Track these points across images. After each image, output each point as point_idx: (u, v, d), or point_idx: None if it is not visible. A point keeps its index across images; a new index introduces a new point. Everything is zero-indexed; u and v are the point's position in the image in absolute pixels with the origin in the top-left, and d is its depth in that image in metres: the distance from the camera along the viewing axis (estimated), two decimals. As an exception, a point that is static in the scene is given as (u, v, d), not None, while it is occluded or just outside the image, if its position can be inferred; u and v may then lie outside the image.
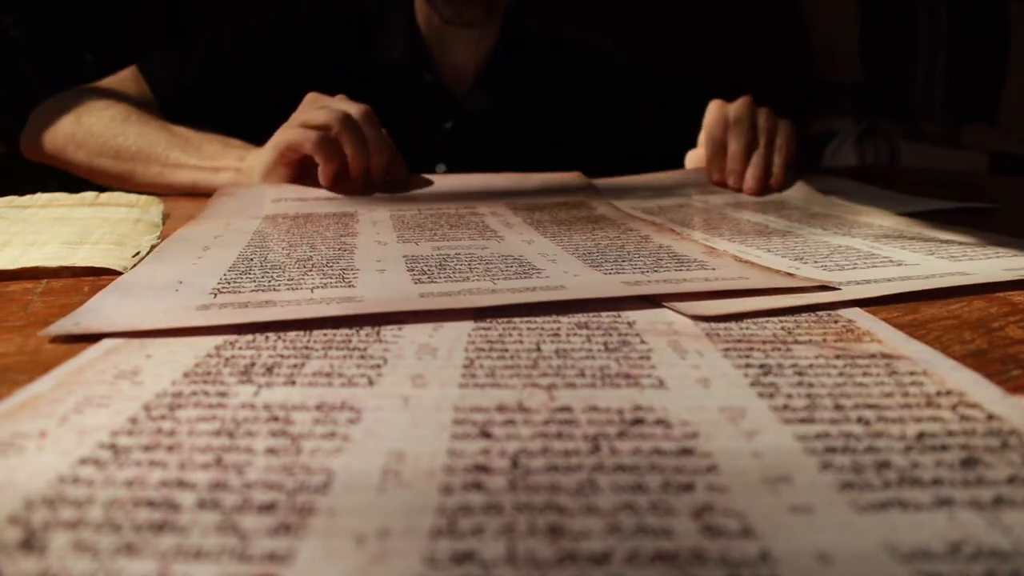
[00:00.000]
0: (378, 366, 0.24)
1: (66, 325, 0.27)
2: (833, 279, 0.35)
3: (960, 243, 0.45)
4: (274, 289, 0.32)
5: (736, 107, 0.68)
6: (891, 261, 0.40)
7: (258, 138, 0.63)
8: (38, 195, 0.52)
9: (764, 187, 0.66)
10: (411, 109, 0.84)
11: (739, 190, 0.67)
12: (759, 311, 0.30)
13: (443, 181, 0.67)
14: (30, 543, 0.15)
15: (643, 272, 0.36)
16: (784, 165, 0.67)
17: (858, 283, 0.35)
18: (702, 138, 0.69)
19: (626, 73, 0.90)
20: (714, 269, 0.36)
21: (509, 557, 0.14)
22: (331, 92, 0.65)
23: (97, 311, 0.29)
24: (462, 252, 0.41)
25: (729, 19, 2.05)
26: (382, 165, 0.59)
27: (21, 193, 0.52)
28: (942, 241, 0.45)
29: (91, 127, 0.69)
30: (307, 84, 0.81)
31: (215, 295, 0.31)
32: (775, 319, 0.29)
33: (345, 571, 0.14)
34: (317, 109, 0.59)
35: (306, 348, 0.26)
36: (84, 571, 0.14)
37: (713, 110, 0.68)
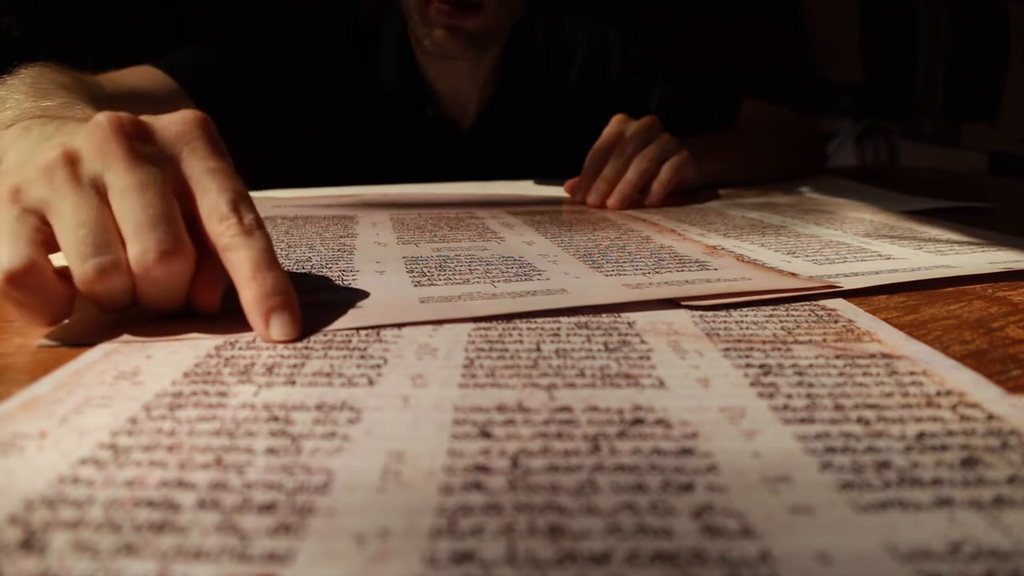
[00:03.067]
0: (378, 366, 0.24)
1: (63, 333, 0.27)
2: (823, 272, 0.36)
3: (949, 239, 0.45)
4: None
5: (634, 127, 0.64)
6: (880, 255, 0.41)
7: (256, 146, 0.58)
8: None
9: (623, 207, 0.61)
10: (416, 141, 0.82)
11: (586, 202, 0.63)
12: (752, 300, 0.30)
13: (441, 190, 0.67)
14: (30, 543, 0.14)
15: (644, 273, 0.36)
16: (658, 193, 0.62)
17: (847, 276, 0.36)
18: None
19: (631, 73, 0.88)
20: (716, 269, 0.36)
21: (509, 557, 0.14)
22: (334, 120, 0.59)
23: (94, 317, 0.29)
24: (462, 253, 0.41)
25: (729, 19, 2.05)
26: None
27: None
28: (931, 238, 0.46)
29: None
30: (311, 108, 0.78)
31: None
32: (775, 319, 0.29)
33: (345, 571, 0.14)
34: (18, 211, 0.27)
35: (306, 348, 0.26)
36: (84, 571, 0.14)
37: (611, 124, 0.65)
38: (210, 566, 0.14)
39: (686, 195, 0.66)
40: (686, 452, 0.18)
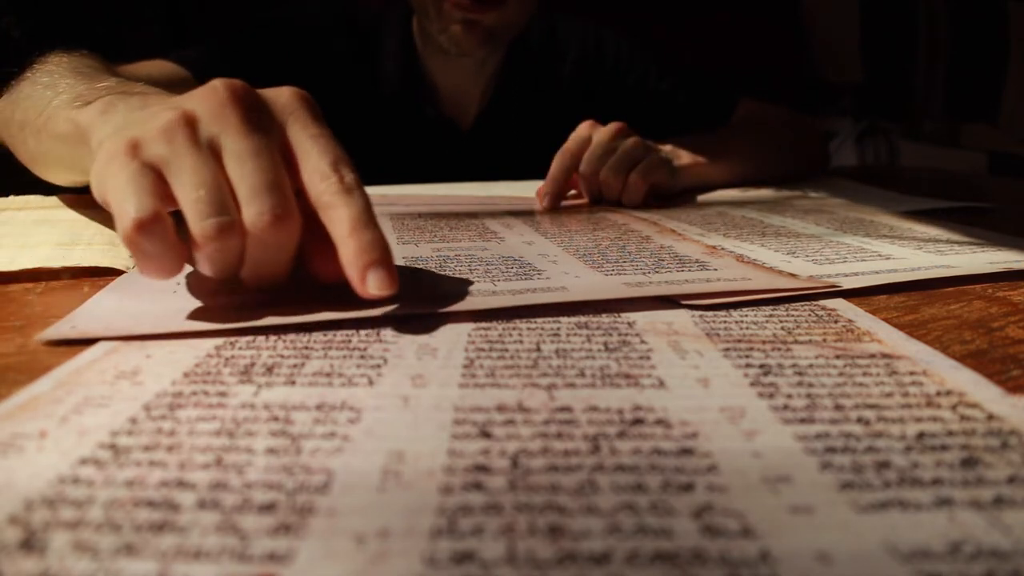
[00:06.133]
0: (378, 366, 0.24)
1: (63, 329, 0.27)
2: (823, 272, 0.36)
3: (948, 239, 0.45)
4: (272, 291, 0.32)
5: (601, 132, 0.63)
6: (880, 255, 0.40)
7: None
8: (11, 198, 0.51)
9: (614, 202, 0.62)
10: (416, 142, 0.81)
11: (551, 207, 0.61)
12: (752, 300, 0.30)
13: (441, 191, 0.67)
14: (30, 543, 0.14)
15: (644, 273, 0.36)
16: (633, 199, 0.62)
17: (847, 276, 0.36)
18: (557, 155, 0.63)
19: (624, 71, 0.87)
20: (716, 269, 0.36)
21: (509, 557, 0.14)
22: (334, 120, 0.57)
23: (95, 314, 0.29)
24: (462, 253, 0.41)
25: (729, 19, 2.05)
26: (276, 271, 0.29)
27: (22, 195, 0.52)
28: (931, 238, 0.46)
29: (17, 95, 0.47)
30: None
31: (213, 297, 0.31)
32: (775, 319, 0.29)
33: (345, 571, 0.14)
34: (180, 146, 0.27)
35: (306, 348, 0.26)
36: (84, 571, 0.14)
37: (579, 129, 0.65)
38: (210, 566, 0.14)
39: (666, 199, 0.65)
40: (686, 452, 0.18)
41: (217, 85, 0.29)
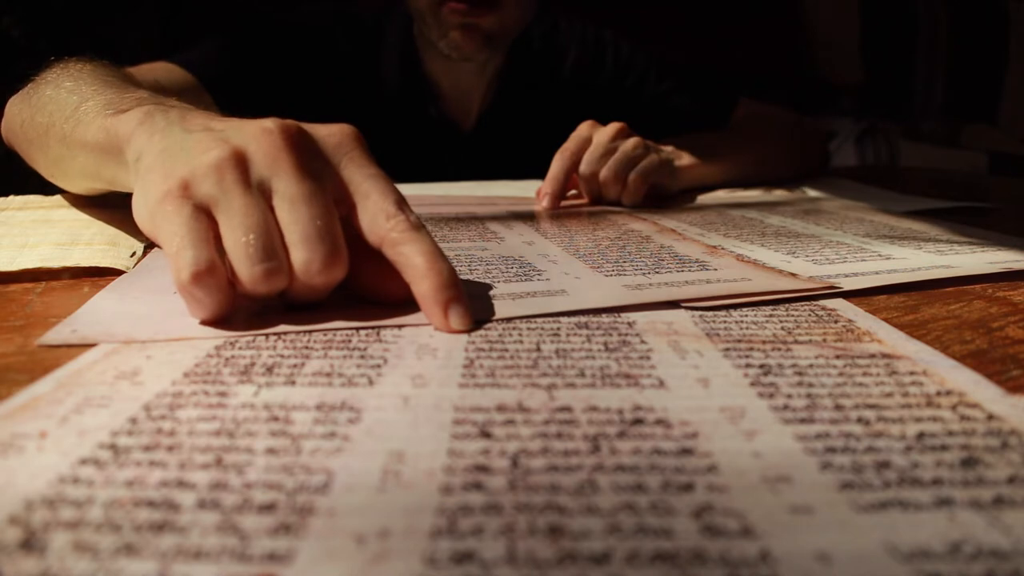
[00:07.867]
0: (378, 366, 0.24)
1: (64, 333, 0.27)
2: (823, 272, 0.36)
3: (949, 239, 0.45)
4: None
5: (601, 133, 0.64)
6: (880, 255, 0.40)
7: None
8: (11, 198, 0.51)
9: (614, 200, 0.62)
10: (418, 142, 0.81)
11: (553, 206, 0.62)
12: (753, 300, 0.30)
13: (441, 191, 0.67)
14: (30, 543, 0.15)
15: (644, 274, 0.36)
16: (630, 200, 0.62)
17: (847, 276, 0.36)
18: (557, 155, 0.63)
19: (623, 73, 0.87)
20: (716, 270, 0.36)
21: (509, 557, 0.14)
22: (336, 120, 0.57)
23: (95, 317, 0.29)
24: (462, 253, 0.41)
25: (729, 19, 2.05)
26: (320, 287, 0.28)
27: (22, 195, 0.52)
28: (931, 237, 0.46)
29: (37, 98, 0.46)
30: (314, 109, 0.78)
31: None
32: (775, 319, 0.29)
33: (345, 571, 0.14)
34: (229, 185, 0.27)
35: (306, 348, 0.26)
36: (84, 571, 0.14)
37: (579, 129, 0.64)
38: (210, 566, 0.14)
39: (666, 199, 0.65)
40: (686, 452, 0.18)
41: (271, 128, 0.28)
